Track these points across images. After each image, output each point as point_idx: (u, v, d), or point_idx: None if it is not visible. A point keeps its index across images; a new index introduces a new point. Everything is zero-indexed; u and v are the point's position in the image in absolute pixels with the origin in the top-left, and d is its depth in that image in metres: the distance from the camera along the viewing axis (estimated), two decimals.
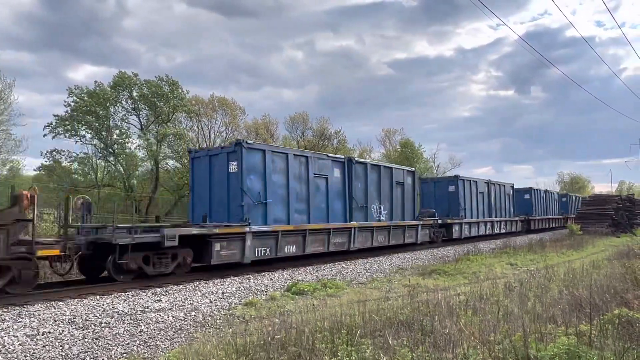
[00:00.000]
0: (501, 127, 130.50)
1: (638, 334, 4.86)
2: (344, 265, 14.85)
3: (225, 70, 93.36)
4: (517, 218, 32.94)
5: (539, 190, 39.60)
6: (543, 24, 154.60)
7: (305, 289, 10.12)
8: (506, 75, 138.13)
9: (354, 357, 4.60)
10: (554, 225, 41.71)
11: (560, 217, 44.32)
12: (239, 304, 9.30)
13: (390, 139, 57.63)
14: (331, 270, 13.86)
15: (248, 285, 11.08)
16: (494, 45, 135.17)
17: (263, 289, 10.87)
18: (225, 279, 11.75)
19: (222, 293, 10.18)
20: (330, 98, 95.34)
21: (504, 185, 31.36)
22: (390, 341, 4.98)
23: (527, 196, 37.30)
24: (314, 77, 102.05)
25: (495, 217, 29.34)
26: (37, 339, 6.67)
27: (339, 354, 4.70)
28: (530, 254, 17.45)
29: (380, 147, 59.17)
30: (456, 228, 24.38)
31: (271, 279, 11.98)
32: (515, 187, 34.01)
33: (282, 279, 12.07)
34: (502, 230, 30.22)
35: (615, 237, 27.44)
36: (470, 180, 26.85)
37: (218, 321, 7.96)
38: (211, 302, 9.40)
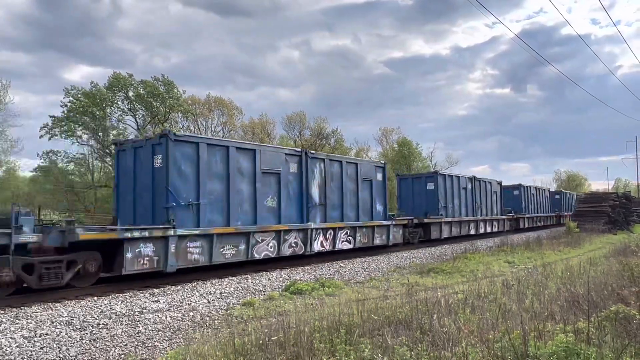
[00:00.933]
0: (497, 125, 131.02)
1: (635, 330, 4.87)
2: (342, 265, 14.85)
3: (221, 71, 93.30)
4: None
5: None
6: (539, 22, 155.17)
7: (304, 289, 10.11)
8: (502, 74, 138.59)
9: (352, 357, 4.59)
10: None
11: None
12: (237, 304, 9.29)
13: (387, 138, 57.70)
14: (329, 269, 13.86)
15: (246, 285, 11.06)
16: (490, 44, 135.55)
17: (261, 288, 10.85)
18: (223, 279, 11.74)
19: (220, 293, 10.16)
20: (327, 97, 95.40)
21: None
22: (389, 340, 4.98)
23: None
24: (310, 76, 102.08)
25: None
26: (34, 341, 6.65)
27: (337, 353, 4.69)
28: (528, 251, 17.48)
29: (377, 146, 59.25)
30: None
31: (269, 279, 11.96)
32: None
33: (280, 279, 12.06)
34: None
35: (612, 235, 27.52)
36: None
37: (216, 321, 7.95)
38: (209, 302, 9.39)
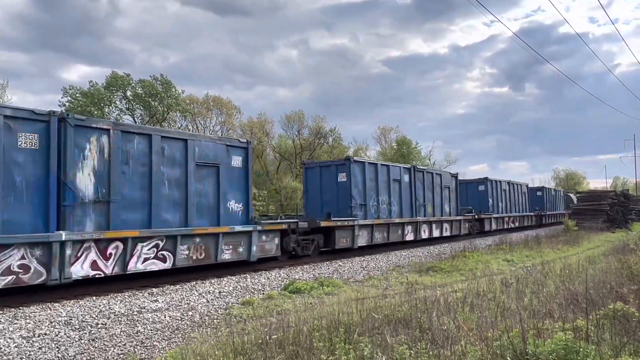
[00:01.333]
0: (496, 124, 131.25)
1: (634, 328, 4.88)
2: (340, 264, 14.84)
3: (220, 70, 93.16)
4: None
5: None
6: (537, 21, 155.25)
7: (303, 288, 10.11)
8: (500, 72, 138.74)
9: (352, 356, 4.59)
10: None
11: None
12: (236, 303, 9.29)
13: (386, 137, 57.73)
14: (328, 268, 13.86)
15: (245, 285, 11.06)
16: (488, 43, 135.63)
17: (260, 287, 10.85)
18: (222, 278, 11.73)
19: (219, 292, 10.16)
20: (325, 96, 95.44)
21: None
22: (388, 339, 4.98)
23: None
24: (308, 75, 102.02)
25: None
26: (32, 341, 6.64)
27: (336, 352, 4.69)
28: (526, 250, 17.52)
29: (376, 145, 59.28)
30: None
31: (268, 278, 11.96)
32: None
33: (279, 278, 12.06)
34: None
35: (611, 233, 27.58)
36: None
37: (215, 321, 7.94)
38: (208, 301, 9.38)
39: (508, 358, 4.11)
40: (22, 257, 8.75)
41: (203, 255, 11.92)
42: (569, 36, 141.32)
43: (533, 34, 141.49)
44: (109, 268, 10.05)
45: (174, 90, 37.18)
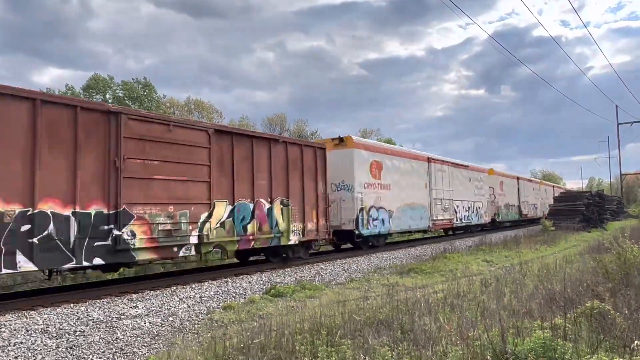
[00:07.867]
0: (473, 126, 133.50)
1: (610, 325, 4.99)
2: (322, 267, 14.84)
3: (196, 72, 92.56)
4: None
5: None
6: (510, 24, 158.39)
7: (284, 291, 10.08)
8: (477, 75, 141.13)
9: (334, 358, 4.59)
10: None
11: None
12: (218, 308, 9.21)
13: (367, 139, 57.91)
14: (310, 271, 13.84)
15: (226, 289, 10.97)
16: (464, 45, 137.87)
17: (242, 292, 10.78)
18: (203, 283, 11.61)
19: (200, 297, 10.06)
20: (303, 99, 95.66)
21: None
22: (370, 341, 4.99)
23: None
24: (286, 78, 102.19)
25: None
26: (8, 350, 6.47)
27: (319, 355, 4.69)
28: (505, 250, 17.77)
29: None
30: None
31: (250, 282, 11.89)
32: None
33: (261, 282, 11.99)
34: None
35: (587, 232, 28.15)
36: None
37: (196, 326, 7.86)
38: (189, 306, 9.28)
39: (488, 357, 4.16)
40: None
41: None
42: (542, 39, 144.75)
43: (507, 37, 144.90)
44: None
45: (154, 93, 36.86)
